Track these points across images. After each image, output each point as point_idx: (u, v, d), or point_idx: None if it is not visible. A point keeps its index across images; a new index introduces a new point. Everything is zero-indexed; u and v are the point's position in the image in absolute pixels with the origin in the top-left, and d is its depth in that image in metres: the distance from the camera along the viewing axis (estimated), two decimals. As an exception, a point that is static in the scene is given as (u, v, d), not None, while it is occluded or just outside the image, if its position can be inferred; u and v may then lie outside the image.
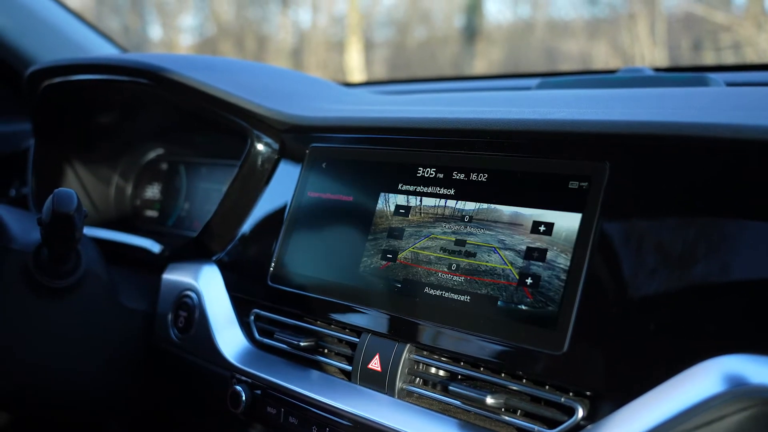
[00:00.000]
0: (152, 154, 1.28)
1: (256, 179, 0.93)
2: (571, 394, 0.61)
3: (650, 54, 7.86)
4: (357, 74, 9.56)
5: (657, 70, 1.11)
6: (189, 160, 1.23)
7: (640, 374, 0.57)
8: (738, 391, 0.52)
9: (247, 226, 0.92)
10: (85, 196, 1.25)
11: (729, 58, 7.06)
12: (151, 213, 1.26)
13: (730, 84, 0.94)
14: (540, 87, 1.09)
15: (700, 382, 0.54)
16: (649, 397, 0.56)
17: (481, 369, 0.68)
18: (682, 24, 8.35)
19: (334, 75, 9.98)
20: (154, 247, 1.02)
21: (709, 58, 7.41)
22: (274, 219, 0.88)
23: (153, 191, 1.27)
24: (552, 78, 1.12)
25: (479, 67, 9.61)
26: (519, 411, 0.64)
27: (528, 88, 1.10)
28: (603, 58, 8.55)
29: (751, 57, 6.88)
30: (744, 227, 0.57)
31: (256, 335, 0.86)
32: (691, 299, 0.57)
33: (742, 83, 0.99)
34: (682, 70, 1.18)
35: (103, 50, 1.60)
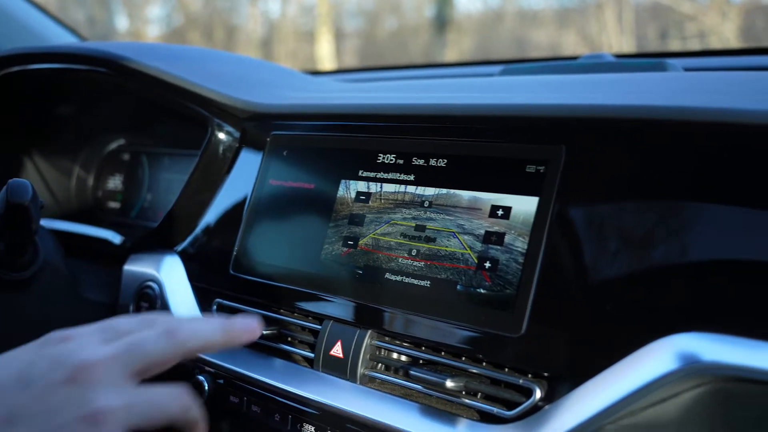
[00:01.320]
0: (114, 145, 1.26)
1: (218, 168, 0.92)
2: (529, 375, 0.62)
3: (618, 43, 7.94)
4: (327, 64, 9.53)
5: (618, 56, 1.12)
6: (151, 150, 1.22)
7: (597, 354, 0.58)
8: (691, 368, 0.53)
9: (208, 216, 0.91)
10: (45, 188, 1.23)
11: (695, 47, 7.16)
12: (114, 204, 1.25)
13: (688, 69, 0.95)
14: (503, 73, 1.09)
15: (654, 361, 0.55)
16: (605, 376, 0.57)
17: (442, 353, 0.68)
18: (649, 13, 8.44)
19: (305, 65, 9.94)
20: (115, 238, 1.01)
21: (675, 47, 7.51)
22: (236, 208, 0.88)
23: (115, 182, 1.25)
24: (515, 65, 1.12)
25: (450, 56, 9.63)
26: (479, 394, 0.65)
27: (492, 75, 1.11)
28: (572, 47, 8.61)
29: (716, 45, 6.98)
30: (697, 209, 0.57)
31: (219, 324, 0.85)
32: (646, 280, 0.58)
33: (699, 68, 1.00)
34: (642, 57, 1.19)
35: (63, 40, 1.57)
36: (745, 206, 0.55)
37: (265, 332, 0.79)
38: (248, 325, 0.56)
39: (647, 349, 0.55)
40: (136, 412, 0.48)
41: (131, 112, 1.20)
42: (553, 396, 0.60)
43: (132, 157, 1.24)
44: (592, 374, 0.58)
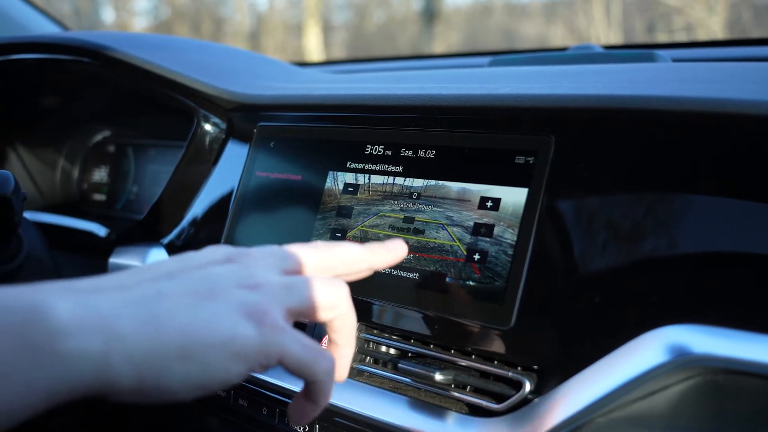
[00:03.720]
0: (99, 136, 1.25)
1: (204, 160, 0.91)
2: (519, 368, 0.61)
3: (606, 36, 7.96)
4: (315, 57, 9.50)
5: (607, 47, 1.12)
6: (137, 142, 1.21)
7: (586, 346, 0.58)
8: (681, 360, 0.53)
9: (194, 208, 0.90)
10: (29, 181, 1.22)
11: (682, 40, 7.18)
12: (99, 197, 1.23)
13: (676, 60, 0.95)
14: (492, 65, 1.08)
15: (644, 353, 0.54)
16: (595, 368, 0.56)
17: (431, 346, 0.67)
18: (636, 6, 8.47)
19: (293, 58, 9.90)
20: (100, 230, 1.00)
21: (662, 40, 7.54)
22: (223, 200, 0.87)
23: (100, 174, 1.24)
24: (504, 56, 1.12)
25: (438, 49, 9.62)
26: (469, 387, 0.64)
27: (481, 66, 1.10)
28: (560, 40, 8.63)
29: (702, 38, 7.01)
30: (688, 200, 0.57)
31: (206, 318, 0.84)
32: (636, 272, 0.57)
33: (688, 59, 1.00)
34: (631, 48, 1.18)
35: (46, 30, 1.55)
36: (735, 197, 0.55)
37: (252, 325, 0.78)
38: (394, 243, 0.58)
39: (637, 342, 0.55)
40: (294, 292, 0.48)
41: (116, 103, 1.18)
42: (542, 389, 0.60)
43: (117, 148, 1.23)
44: (581, 367, 0.57)
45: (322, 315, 0.50)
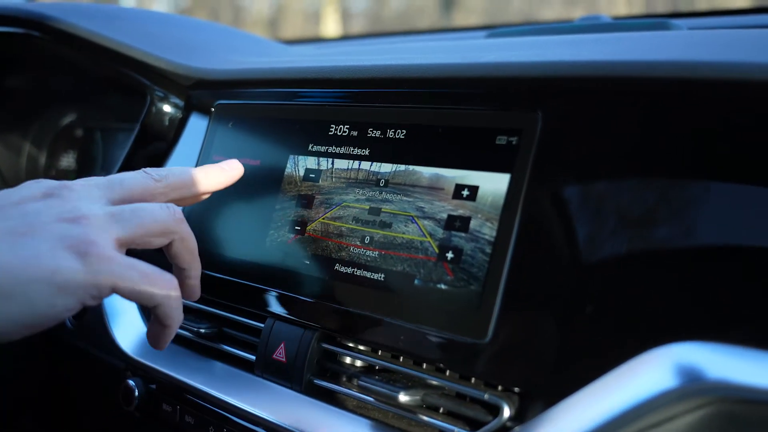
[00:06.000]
0: (66, 120, 1.16)
1: (158, 142, 0.81)
2: (499, 389, 0.51)
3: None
4: (332, 44, 9.42)
5: (617, 18, 1.01)
6: (105, 125, 1.11)
7: (577, 366, 0.48)
8: (693, 387, 0.42)
9: (148, 197, 0.80)
10: (-8, 167, 1.13)
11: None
12: (67, 185, 1.14)
13: (692, 29, 0.84)
14: (489, 36, 0.98)
15: (646, 377, 0.44)
16: (587, 393, 0.46)
17: (401, 360, 0.58)
18: (660, -13, 8.26)
19: (309, 45, 9.82)
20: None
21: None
22: (178, 188, 0.77)
23: (68, 160, 1.15)
24: (504, 27, 1.01)
25: (456, 35, 9.50)
26: (441, 409, 0.54)
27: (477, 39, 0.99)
28: (581, 24, 8.45)
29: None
30: (704, 189, 0.46)
31: (157, 321, 0.75)
32: (637, 276, 0.47)
33: (706, 28, 0.88)
34: (643, 18, 1.07)
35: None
36: (762, 184, 0.44)
37: (203, 331, 0.69)
38: (228, 164, 0.60)
39: (637, 362, 0.45)
40: (121, 221, 0.48)
41: (83, 84, 1.09)
42: (525, 415, 0.50)
43: (85, 132, 1.14)
44: (570, 391, 0.47)
45: (155, 241, 0.51)
